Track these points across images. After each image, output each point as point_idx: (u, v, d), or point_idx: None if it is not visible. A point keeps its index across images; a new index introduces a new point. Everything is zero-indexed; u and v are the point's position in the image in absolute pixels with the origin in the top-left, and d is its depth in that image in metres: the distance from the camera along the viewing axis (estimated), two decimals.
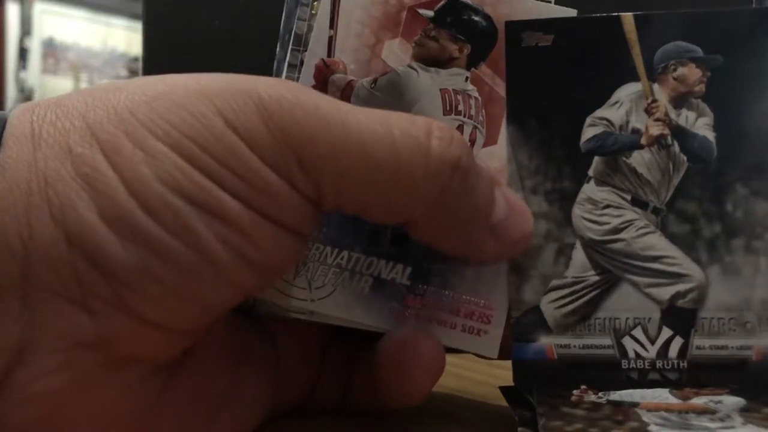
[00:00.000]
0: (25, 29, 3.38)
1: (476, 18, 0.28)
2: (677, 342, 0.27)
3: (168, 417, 0.23)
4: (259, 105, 0.22)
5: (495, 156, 0.28)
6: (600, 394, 0.26)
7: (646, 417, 0.24)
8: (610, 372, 0.27)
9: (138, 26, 0.41)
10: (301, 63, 0.28)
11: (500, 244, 0.26)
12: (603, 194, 0.28)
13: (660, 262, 0.28)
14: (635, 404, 0.25)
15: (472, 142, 0.28)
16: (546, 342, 0.28)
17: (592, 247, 0.28)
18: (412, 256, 0.27)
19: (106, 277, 0.20)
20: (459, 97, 0.28)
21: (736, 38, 0.28)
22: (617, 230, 0.28)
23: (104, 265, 0.20)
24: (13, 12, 3.34)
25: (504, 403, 0.28)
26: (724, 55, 0.28)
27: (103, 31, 3.55)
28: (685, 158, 0.28)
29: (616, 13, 0.28)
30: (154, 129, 0.21)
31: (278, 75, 0.28)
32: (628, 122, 0.28)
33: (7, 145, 0.20)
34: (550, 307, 0.28)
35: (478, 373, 0.37)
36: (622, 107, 0.28)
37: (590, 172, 0.28)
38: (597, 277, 0.28)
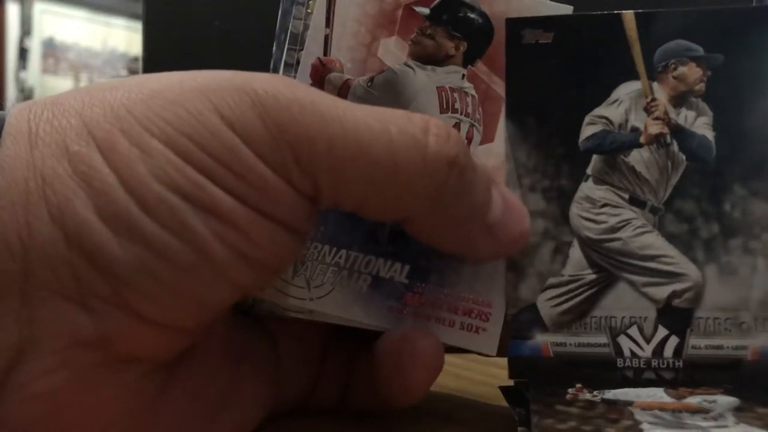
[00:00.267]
0: (25, 29, 3.38)
1: (472, 15, 0.28)
2: (673, 341, 0.27)
3: (167, 416, 0.23)
4: (256, 101, 0.22)
5: (492, 153, 0.28)
6: (595, 392, 0.26)
7: (639, 416, 0.24)
8: (605, 370, 0.27)
9: (138, 26, 0.41)
10: (298, 62, 0.28)
11: (497, 242, 0.26)
12: (601, 193, 0.28)
13: (657, 262, 0.28)
14: (629, 403, 0.25)
15: (469, 139, 0.28)
16: (542, 340, 0.28)
17: (589, 246, 0.28)
18: (410, 254, 0.27)
19: (104, 275, 0.20)
20: (456, 94, 0.28)
21: (736, 37, 0.28)
22: (614, 229, 0.28)
23: (102, 263, 0.20)
24: (13, 12, 3.35)
25: (503, 402, 0.28)
26: (724, 54, 0.28)
27: (103, 31, 3.55)
28: (683, 157, 0.28)
29: (617, 11, 0.28)
30: (150, 126, 0.21)
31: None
32: (627, 121, 0.28)
33: (4, 144, 0.20)
34: (546, 305, 0.28)
35: (477, 373, 0.37)
36: (621, 106, 0.28)
37: (588, 171, 0.28)
38: (593, 276, 0.28)
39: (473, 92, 0.28)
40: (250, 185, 0.21)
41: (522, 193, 0.28)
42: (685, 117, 0.28)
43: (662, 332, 0.27)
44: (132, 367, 0.22)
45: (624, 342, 0.27)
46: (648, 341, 0.27)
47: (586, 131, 0.28)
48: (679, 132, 0.28)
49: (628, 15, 0.28)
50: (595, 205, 0.28)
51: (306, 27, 0.28)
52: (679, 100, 0.28)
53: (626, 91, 0.28)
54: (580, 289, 0.28)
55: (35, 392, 0.20)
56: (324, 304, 0.27)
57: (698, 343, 0.27)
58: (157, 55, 0.37)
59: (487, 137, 0.28)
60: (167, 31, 0.37)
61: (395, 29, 0.28)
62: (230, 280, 0.22)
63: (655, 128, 0.28)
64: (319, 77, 0.28)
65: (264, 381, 0.27)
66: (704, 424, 0.24)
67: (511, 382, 0.28)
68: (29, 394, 0.20)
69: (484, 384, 0.35)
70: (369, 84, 0.28)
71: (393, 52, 0.28)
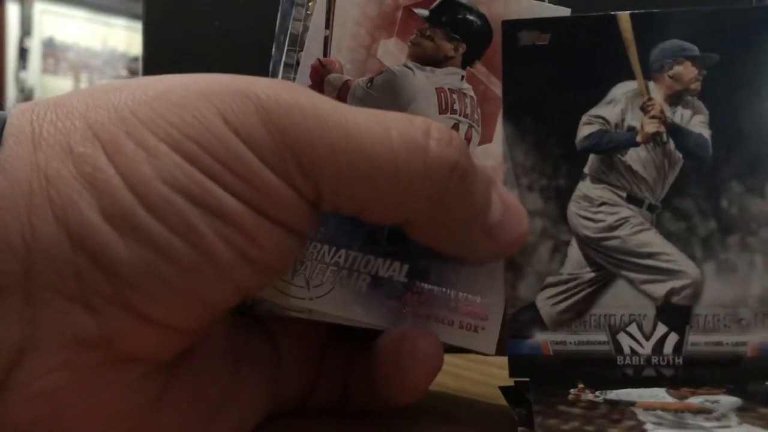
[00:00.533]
0: (25, 29, 3.37)
1: (471, 17, 0.29)
2: (672, 338, 0.27)
3: (168, 416, 0.24)
4: (258, 106, 0.22)
5: (490, 154, 0.28)
6: (597, 392, 0.26)
7: (642, 416, 0.24)
8: (605, 368, 0.27)
9: (138, 26, 0.41)
10: (297, 63, 0.28)
11: (496, 244, 0.26)
12: (598, 191, 0.28)
13: (655, 259, 0.28)
14: (632, 403, 0.26)
15: (468, 140, 0.28)
16: (541, 338, 0.28)
17: (587, 244, 0.28)
18: (409, 253, 0.28)
19: (108, 275, 0.20)
20: (455, 96, 0.28)
21: (732, 36, 0.28)
22: (612, 227, 0.28)
23: (106, 264, 0.20)
24: (13, 12, 3.34)
25: (503, 402, 0.28)
26: (720, 53, 0.28)
27: (103, 31, 3.54)
28: (680, 155, 0.28)
29: (613, 12, 0.28)
30: (155, 129, 0.21)
31: (274, 75, 0.28)
32: (623, 120, 0.28)
33: (7, 144, 0.20)
34: (545, 304, 0.28)
35: (477, 373, 0.37)
36: (617, 105, 0.28)
37: (586, 170, 0.28)
38: (592, 274, 0.28)
39: (472, 93, 0.28)
40: (254, 189, 0.21)
41: (520, 192, 0.28)
42: (681, 115, 0.28)
43: (662, 329, 0.28)
44: (133, 367, 0.22)
45: (624, 339, 0.28)
46: (647, 338, 0.28)
47: (583, 131, 0.28)
48: (675, 130, 0.28)
49: (624, 16, 0.28)
50: (593, 204, 0.28)
51: (306, 28, 0.28)
52: (675, 99, 0.28)
53: (622, 91, 0.28)
54: (579, 288, 0.28)
55: (36, 392, 0.20)
56: (323, 304, 0.27)
57: (698, 340, 0.27)
58: (157, 55, 0.37)
59: (486, 138, 0.29)
60: (167, 31, 0.37)
61: (395, 31, 0.28)
62: (234, 281, 0.22)
63: (651, 127, 0.28)
64: (319, 78, 0.28)
65: (264, 381, 0.27)
66: (707, 424, 0.24)
67: (511, 382, 0.28)
68: (30, 393, 0.20)
69: (484, 384, 0.35)
70: (368, 85, 0.28)
71: (392, 53, 0.28)
